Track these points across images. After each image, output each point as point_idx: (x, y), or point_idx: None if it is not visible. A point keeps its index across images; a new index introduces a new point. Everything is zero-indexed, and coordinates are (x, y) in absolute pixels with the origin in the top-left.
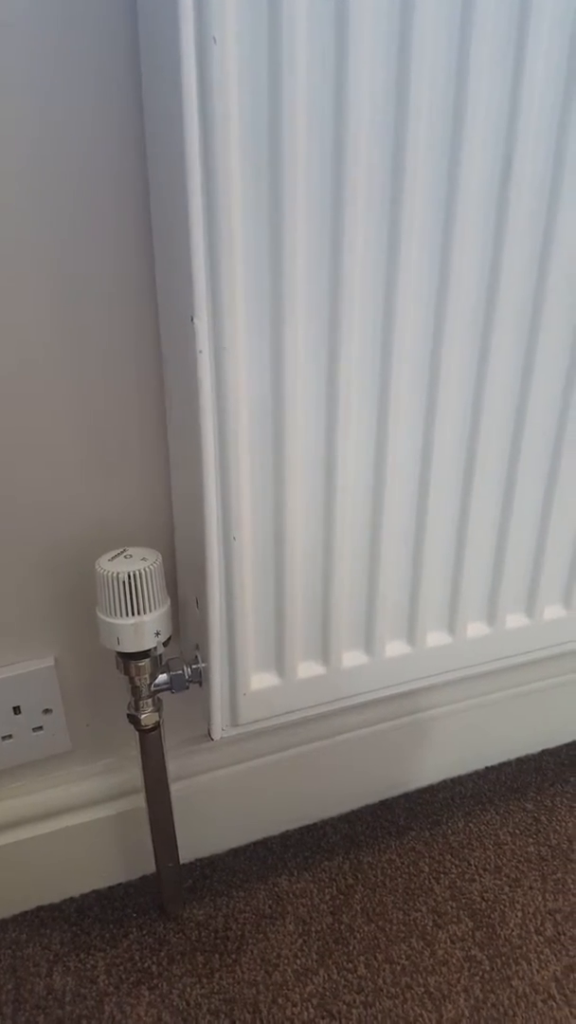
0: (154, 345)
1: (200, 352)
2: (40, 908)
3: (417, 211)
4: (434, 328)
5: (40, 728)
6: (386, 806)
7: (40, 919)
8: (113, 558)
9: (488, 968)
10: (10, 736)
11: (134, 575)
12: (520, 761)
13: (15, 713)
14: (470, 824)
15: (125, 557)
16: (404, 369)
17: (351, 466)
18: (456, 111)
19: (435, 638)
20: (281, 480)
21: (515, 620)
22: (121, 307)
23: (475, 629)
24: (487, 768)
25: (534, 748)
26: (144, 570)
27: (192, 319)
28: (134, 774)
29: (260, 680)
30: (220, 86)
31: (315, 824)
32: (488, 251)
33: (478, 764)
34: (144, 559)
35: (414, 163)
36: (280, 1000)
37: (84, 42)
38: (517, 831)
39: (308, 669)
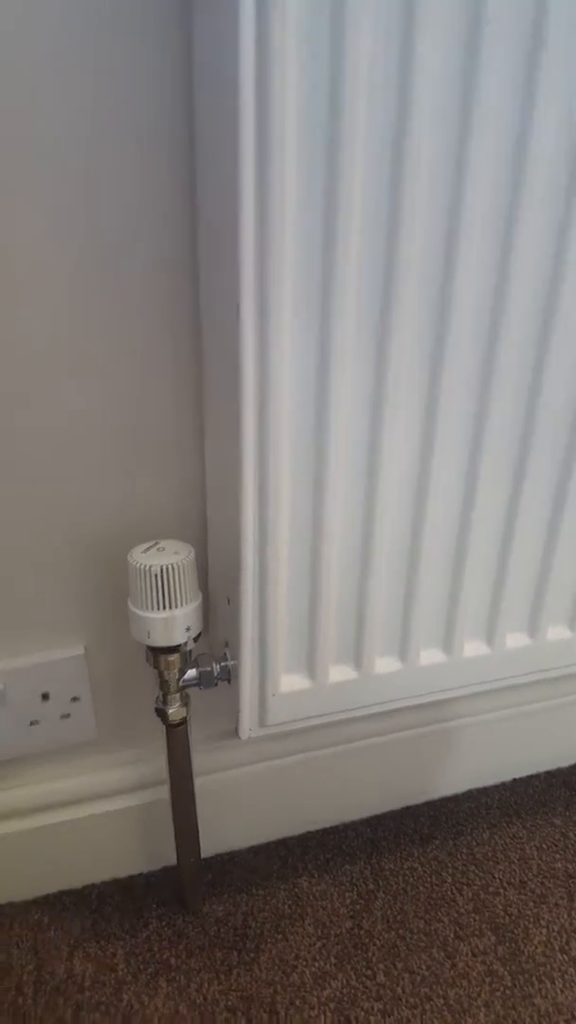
0: (194, 332)
1: (244, 339)
2: (62, 892)
3: (478, 203)
4: (490, 323)
5: (67, 716)
6: (410, 813)
7: (62, 903)
8: (146, 550)
9: (510, 984)
10: (37, 722)
11: (167, 569)
12: (550, 775)
13: (43, 700)
14: (495, 836)
15: (158, 550)
16: (456, 368)
17: (395, 464)
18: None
19: (473, 648)
20: (322, 477)
21: (557, 632)
22: (159, 288)
23: (515, 640)
24: (515, 780)
25: (565, 762)
26: (177, 564)
27: (238, 307)
28: (158, 765)
29: (290, 682)
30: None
31: (337, 827)
32: (554, 239)
33: (506, 775)
34: (177, 553)
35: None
36: (297, 1002)
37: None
38: (544, 846)
39: (340, 673)
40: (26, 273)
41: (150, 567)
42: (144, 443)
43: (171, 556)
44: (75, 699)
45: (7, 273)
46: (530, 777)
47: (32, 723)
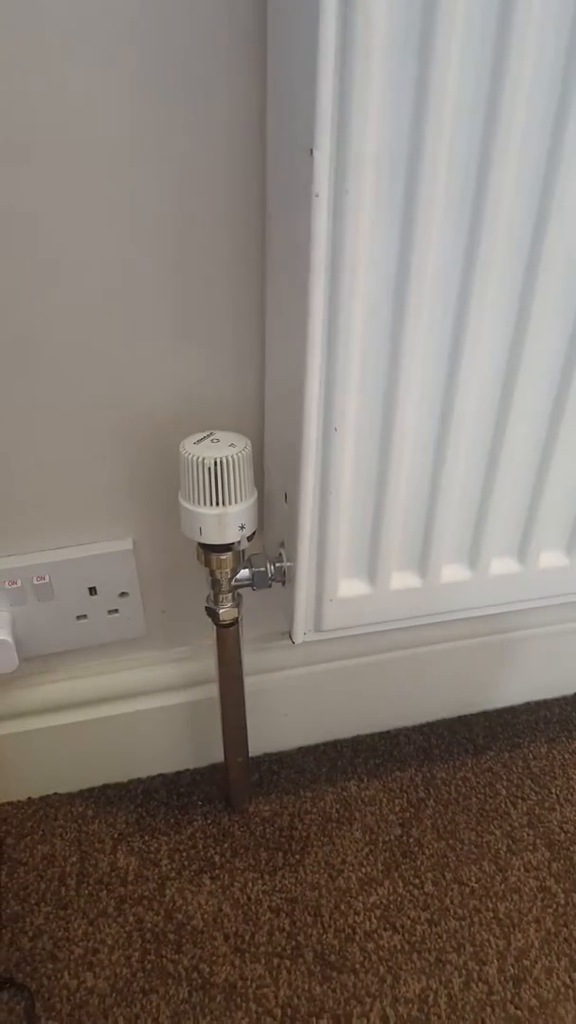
0: (258, 192)
1: (316, 196)
2: (107, 786)
3: None
4: None
5: (115, 611)
6: (465, 722)
7: (107, 796)
8: (199, 441)
9: (563, 902)
10: (85, 616)
11: (221, 462)
12: None
13: (91, 594)
14: (553, 751)
15: (212, 441)
16: (558, 252)
17: (479, 356)
18: None
19: (549, 558)
20: (397, 364)
21: None
22: (221, 142)
23: None
24: None
25: None
26: (232, 457)
27: (312, 151)
28: (207, 664)
29: (349, 587)
30: None
31: (389, 732)
32: None
33: (567, 689)
34: (232, 445)
35: None
36: (343, 907)
37: None
38: None
39: (403, 580)
40: (86, 129)
41: (203, 460)
42: (200, 324)
43: (226, 448)
44: (123, 594)
45: (66, 133)
46: None
47: (79, 617)
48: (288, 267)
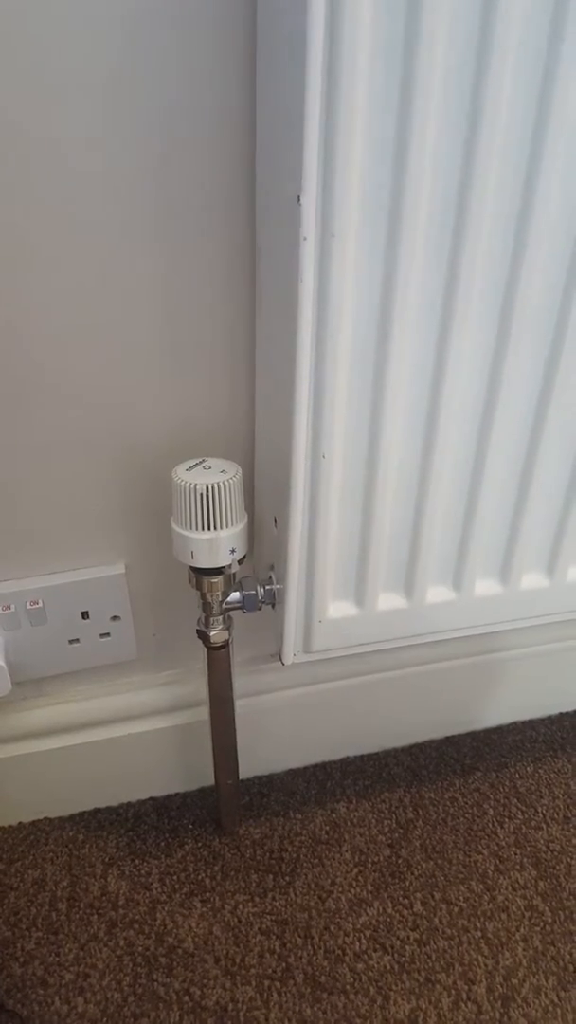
0: (248, 231)
1: (304, 239)
2: (98, 810)
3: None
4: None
5: (107, 635)
6: (452, 743)
7: (97, 821)
8: (191, 468)
9: (550, 920)
10: (77, 640)
11: (212, 487)
12: None
13: (83, 618)
14: (540, 770)
15: (204, 468)
16: (535, 282)
17: (460, 384)
18: None
19: (531, 579)
20: (381, 394)
21: None
22: (213, 186)
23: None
24: (562, 714)
25: None
26: (223, 483)
27: (298, 198)
28: (198, 686)
29: (337, 608)
30: None
31: (377, 753)
32: None
33: (552, 709)
34: (224, 471)
35: None
36: (332, 928)
37: None
38: None
39: (389, 601)
40: (82, 165)
41: (195, 485)
42: (192, 354)
43: (217, 475)
44: (115, 618)
45: (63, 165)
46: None
47: (72, 641)
48: (277, 303)
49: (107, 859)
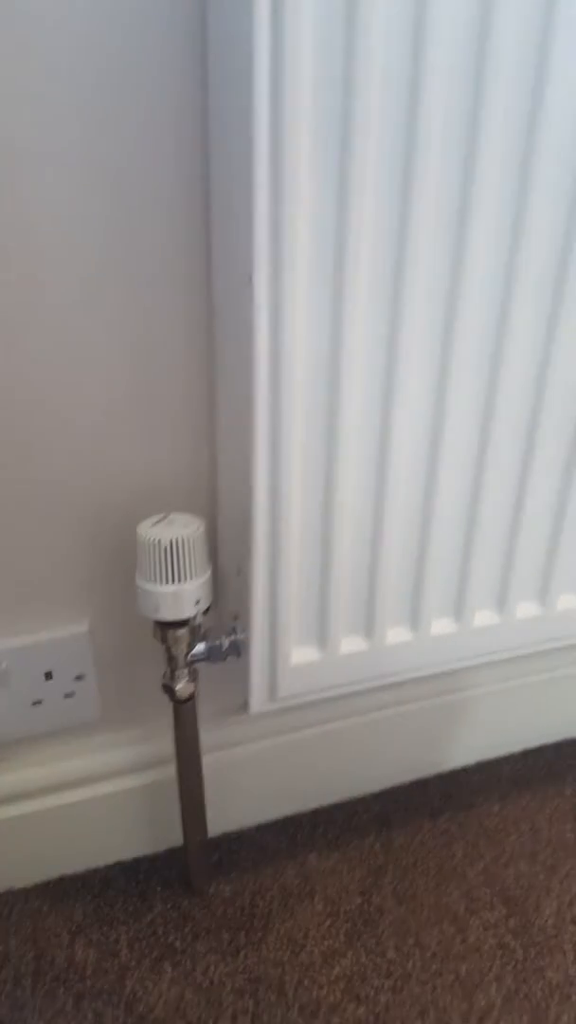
0: (206, 303)
1: (258, 309)
2: (63, 878)
3: (494, 168)
4: (502, 300)
5: (71, 695)
6: (420, 786)
7: (63, 889)
8: (155, 523)
9: (521, 958)
10: (40, 702)
11: (176, 542)
12: (560, 745)
13: (47, 679)
14: (506, 808)
15: (167, 523)
16: (469, 340)
17: (406, 438)
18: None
19: (483, 617)
20: (334, 448)
21: (567, 601)
22: (173, 261)
23: (526, 609)
24: (525, 751)
25: (575, 732)
26: (187, 537)
27: (251, 276)
28: (163, 744)
29: (301, 654)
30: (293, 36)
31: (346, 802)
32: (562, 211)
33: (516, 747)
34: (187, 526)
35: (489, 124)
36: (306, 981)
37: None
38: (555, 817)
39: (351, 644)
40: (45, 242)
41: (159, 540)
42: (153, 414)
43: (181, 529)
44: (79, 677)
45: (27, 243)
46: (540, 748)
47: (35, 703)
48: (234, 366)
49: (74, 927)
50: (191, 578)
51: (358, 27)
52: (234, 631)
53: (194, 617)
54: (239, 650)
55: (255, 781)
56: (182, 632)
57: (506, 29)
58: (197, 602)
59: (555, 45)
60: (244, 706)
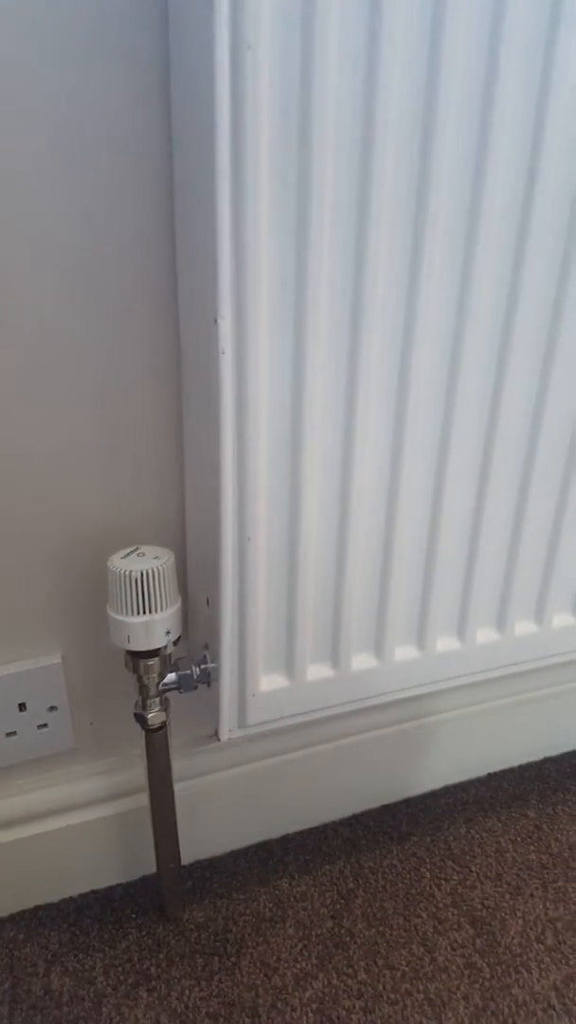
0: (173, 344)
1: (223, 352)
2: (38, 907)
3: (441, 217)
4: (454, 336)
5: (45, 725)
6: (388, 811)
7: (38, 918)
8: (126, 556)
9: (488, 976)
10: (14, 733)
11: (146, 573)
12: (522, 768)
13: (20, 710)
14: (472, 831)
15: (138, 555)
16: (425, 377)
17: (367, 471)
18: (483, 118)
19: (444, 643)
20: (298, 482)
21: (524, 627)
22: (140, 306)
23: (485, 635)
24: (489, 775)
25: (536, 756)
26: (157, 569)
27: (216, 320)
28: (136, 773)
29: (269, 681)
30: (253, 89)
31: (317, 827)
32: (508, 263)
33: (481, 771)
34: (157, 558)
35: (439, 170)
36: (279, 1004)
37: (111, 28)
38: (519, 838)
39: (317, 671)
40: (8, 282)
41: (130, 572)
42: (122, 450)
43: (151, 561)
44: (52, 708)
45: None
46: (504, 771)
47: (9, 734)
48: (201, 404)
49: (50, 956)
50: (161, 609)
51: (312, 109)
52: (204, 660)
53: (165, 647)
54: (209, 679)
55: (227, 809)
56: (153, 662)
57: (448, 104)
58: (167, 632)
59: (493, 129)
60: (215, 734)
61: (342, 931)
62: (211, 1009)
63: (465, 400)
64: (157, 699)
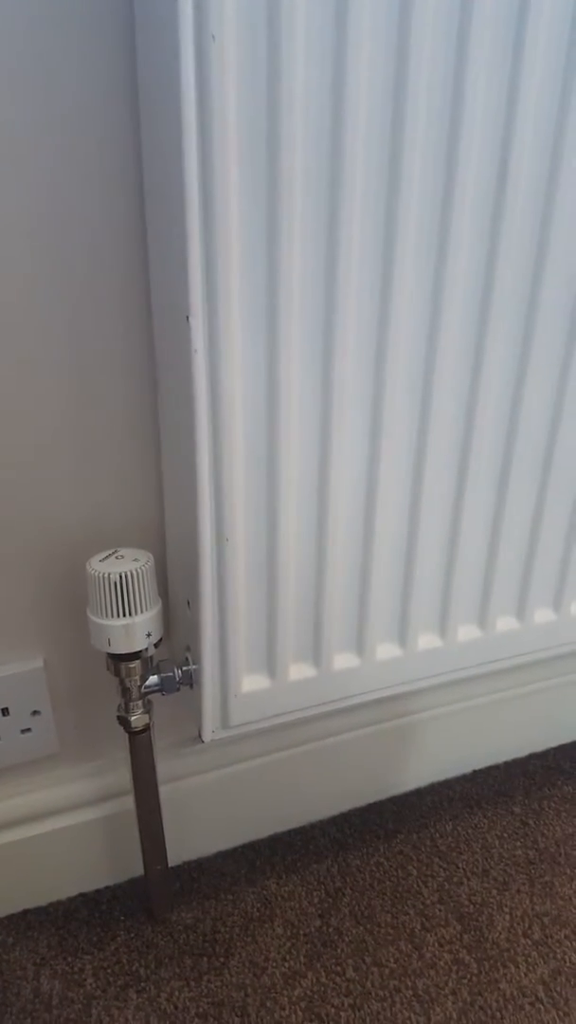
0: (147, 344)
1: (195, 351)
2: (26, 911)
3: (412, 212)
4: (429, 331)
5: (28, 730)
6: (374, 809)
7: (27, 922)
8: (105, 559)
9: (476, 971)
10: None
11: (126, 576)
12: (508, 765)
13: (3, 715)
14: (458, 827)
15: (117, 558)
16: (399, 372)
17: (345, 468)
18: (453, 112)
19: (426, 641)
20: (275, 482)
21: (505, 623)
22: (114, 307)
23: (466, 632)
24: (475, 771)
25: (522, 752)
26: (136, 571)
27: (187, 318)
28: (121, 776)
29: (251, 682)
30: (219, 83)
31: (303, 827)
32: (482, 261)
33: (466, 768)
34: (136, 560)
35: (410, 165)
36: (268, 1003)
37: (77, 34)
38: (505, 835)
39: (299, 671)
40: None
41: (109, 575)
42: (99, 453)
43: (130, 563)
44: (35, 712)
45: None
46: (490, 768)
47: None
48: (176, 406)
49: (38, 959)
50: (142, 611)
51: (280, 100)
52: (186, 662)
53: (146, 649)
54: (192, 680)
55: (213, 809)
56: (135, 664)
57: (418, 86)
58: (148, 635)
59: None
60: (199, 736)
61: (330, 929)
62: (200, 1009)
63: (442, 396)
64: (140, 702)
